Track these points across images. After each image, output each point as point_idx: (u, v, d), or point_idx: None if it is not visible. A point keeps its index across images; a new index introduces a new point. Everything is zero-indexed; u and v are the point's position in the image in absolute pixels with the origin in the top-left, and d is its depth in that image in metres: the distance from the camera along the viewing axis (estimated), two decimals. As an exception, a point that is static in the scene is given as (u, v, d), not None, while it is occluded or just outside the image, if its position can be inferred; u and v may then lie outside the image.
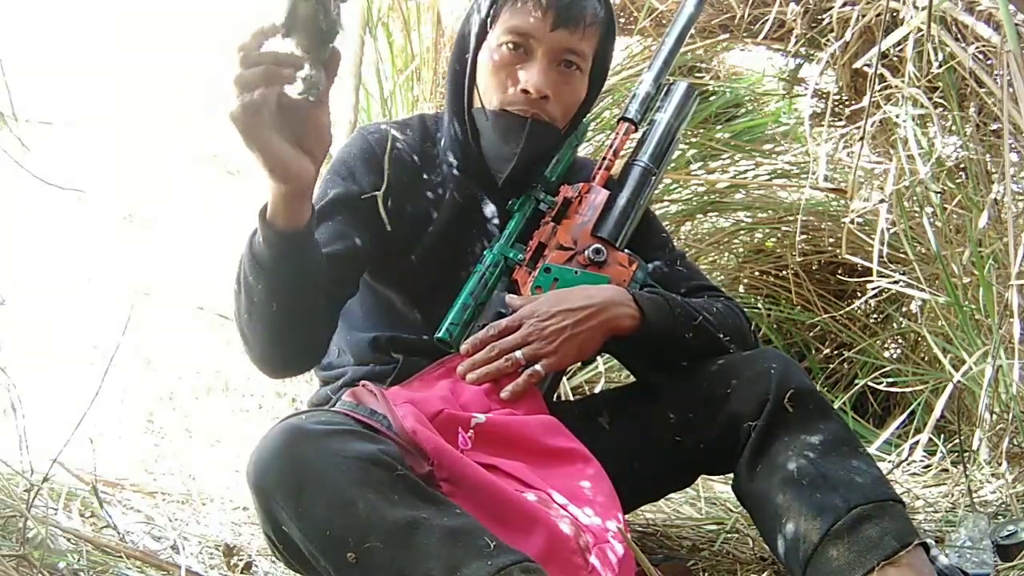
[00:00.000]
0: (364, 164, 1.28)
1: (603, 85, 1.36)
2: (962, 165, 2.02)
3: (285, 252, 1.06)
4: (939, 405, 1.85)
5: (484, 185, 1.32)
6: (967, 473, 1.68)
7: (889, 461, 1.90)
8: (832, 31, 2.09)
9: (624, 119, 1.35)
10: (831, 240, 2.54)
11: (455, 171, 1.32)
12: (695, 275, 1.40)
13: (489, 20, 1.25)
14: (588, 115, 1.38)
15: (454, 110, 1.31)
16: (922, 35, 1.70)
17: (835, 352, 2.58)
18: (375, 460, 0.98)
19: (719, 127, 2.69)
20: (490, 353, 1.16)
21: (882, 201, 1.90)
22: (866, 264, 1.96)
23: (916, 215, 2.11)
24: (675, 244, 1.46)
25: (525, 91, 1.24)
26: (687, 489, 1.57)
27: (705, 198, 2.70)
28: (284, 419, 1.07)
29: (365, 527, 0.94)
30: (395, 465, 0.99)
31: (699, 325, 1.22)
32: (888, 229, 1.90)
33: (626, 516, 1.07)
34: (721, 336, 1.23)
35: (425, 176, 1.32)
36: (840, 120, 2.41)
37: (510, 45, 1.24)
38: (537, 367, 1.16)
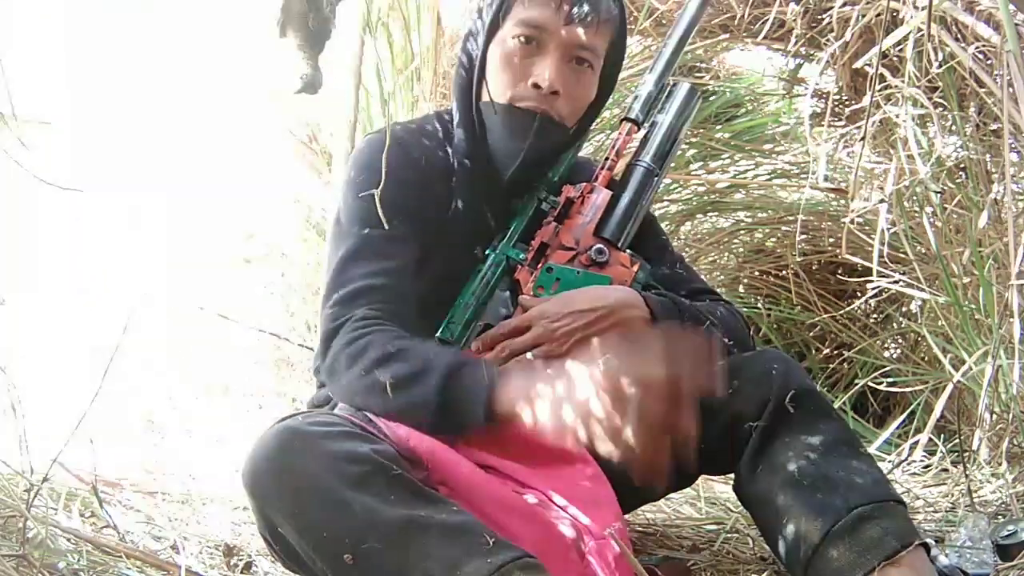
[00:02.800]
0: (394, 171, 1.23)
1: (613, 87, 1.34)
2: (962, 165, 2.01)
3: (477, 424, 1.07)
4: (939, 405, 1.85)
5: (489, 184, 1.30)
6: (967, 473, 1.68)
7: (889, 461, 1.90)
8: (832, 31, 2.08)
9: (627, 119, 1.34)
10: (831, 240, 2.54)
11: (463, 170, 1.31)
12: (694, 279, 1.40)
13: (501, 13, 1.23)
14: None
15: (461, 105, 1.29)
16: (922, 35, 1.69)
17: (835, 352, 2.58)
18: (371, 460, 0.97)
19: (719, 127, 2.69)
20: (500, 353, 1.16)
21: (882, 201, 1.90)
22: (866, 264, 1.96)
23: (916, 215, 2.11)
24: (674, 247, 1.45)
25: (536, 85, 1.21)
26: (687, 489, 1.57)
27: (705, 198, 2.70)
28: (280, 420, 1.07)
29: (362, 528, 0.94)
30: (391, 465, 0.99)
31: (705, 329, 1.21)
32: (888, 229, 1.89)
33: (626, 516, 1.07)
34: (725, 340, 1.23)
35: (439, 180, 1.29)
36: (840, 120, 2.41)
37: (522, 38, 1.21)
38: None
